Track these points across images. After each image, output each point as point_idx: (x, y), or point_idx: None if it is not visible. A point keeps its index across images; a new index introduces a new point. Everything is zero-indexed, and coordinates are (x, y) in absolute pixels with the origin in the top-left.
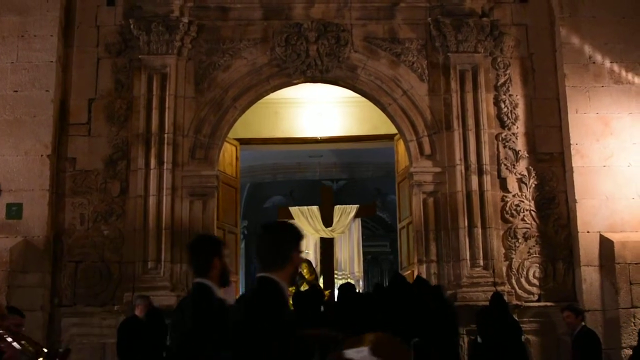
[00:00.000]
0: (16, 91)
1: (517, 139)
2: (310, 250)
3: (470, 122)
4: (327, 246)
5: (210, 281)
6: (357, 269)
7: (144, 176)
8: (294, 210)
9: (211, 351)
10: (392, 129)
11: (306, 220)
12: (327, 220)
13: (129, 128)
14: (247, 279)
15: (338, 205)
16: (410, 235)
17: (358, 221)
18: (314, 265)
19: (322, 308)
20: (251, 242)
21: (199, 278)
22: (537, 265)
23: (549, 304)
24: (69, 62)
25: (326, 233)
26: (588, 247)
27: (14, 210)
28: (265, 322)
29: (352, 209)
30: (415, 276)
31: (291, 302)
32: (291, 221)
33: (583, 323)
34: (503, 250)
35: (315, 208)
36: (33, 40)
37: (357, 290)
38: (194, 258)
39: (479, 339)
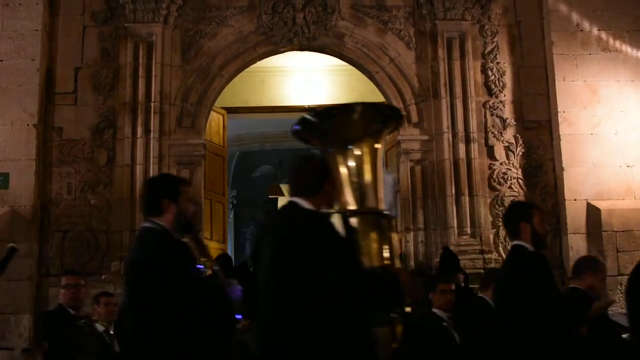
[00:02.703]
0: (1, 60)
1: (504, 106)
2: None
3: (458, 90)
4: None
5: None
6: None
7: (131, 145)
8: (285, 187)
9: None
10: (380, 97)
11: None
12: None
13: (116, 97)
14: (237, 249)
15: None
16: (397, 204)
17: None
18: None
19: None
20: (240, 212)
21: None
22: None
23: None
24: (54, 30)
25: None
26: (575, 215)
27: (1, 180)
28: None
29: None
30: (403, 245)
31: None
32: (280, 199)
33: None
34: (490, 218)
35: None
36: (18, 8)
37: None
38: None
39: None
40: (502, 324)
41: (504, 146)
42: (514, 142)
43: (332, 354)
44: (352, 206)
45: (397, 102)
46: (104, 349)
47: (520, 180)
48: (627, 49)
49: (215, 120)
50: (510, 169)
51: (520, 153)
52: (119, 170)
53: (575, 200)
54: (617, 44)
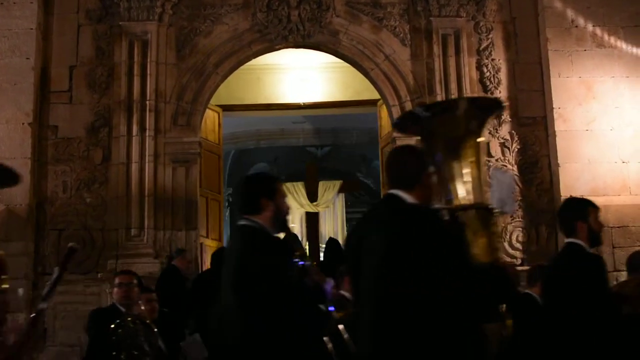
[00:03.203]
0: None
1: None
2: (296, 224)
3: (453, 86)
4: (312, 220)
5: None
6: (342, 242)
7: (126, 143)
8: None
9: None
10: (375, 95)
11: (292, 195)
12: (312, 196)
13: (111, 95)
14: None
15: (322, 181)
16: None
17: (342, 196)
18: (299, 239)
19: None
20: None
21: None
22: (520, 229)
23: None
24: (49, 29)
25: (311, 207)
26: None
27: None
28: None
29: (336, 184)
30: None
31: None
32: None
33: None
34: None
35: (300, 184)
36: (12, 7)
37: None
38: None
39: None
40: (550, 322)
41: (500, 142)
42: (509, 139)
43: (446, 351)
44: (457, 201)
45: (392, 99)
46: (151, 347)
47: (516, 177)
48: (622, 45)
49: (210, 118)
50: (506, 166)
51: (516, 149)
52: (114, 169)
53: (570, 196)
54: (612, 40)
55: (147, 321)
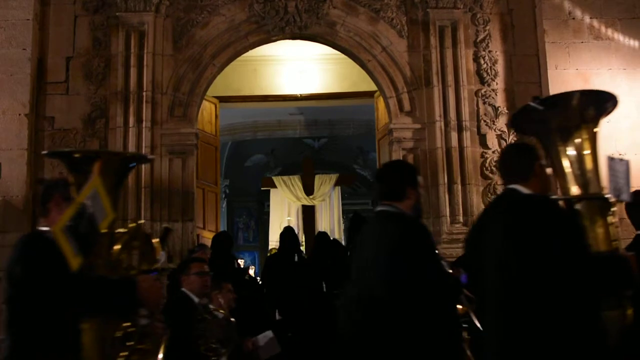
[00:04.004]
0: None
1: (496, 95)
2: (292, 217)
3: (450, 78)
4: (308, 213)
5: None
6: (338, 234)
7: (123, 134)
8: (276, 179)
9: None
10: (372, 86)
11: (288, 188)
12: (309, 189)
13: (107, 86)
14: None
15: (318, 175)
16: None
17: (338, 189)
18: (296, 232)
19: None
20: (233, 201)
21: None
22: None
23: None
24: (45, 19)
25: (307, 201)
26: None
27: None
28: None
29: (332, 178)
30: None
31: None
32: (272, 190)
33: None
34: (482, 207)
35: (297, 177)
36: None
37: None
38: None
39: None
40: None
41: (497, 134)
42: (506, 131)
43: (569, 338)
44: (575, 192)
45: (389, 91)
46: (229, 339)
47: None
48: (619, 37)
49: (207, 109)
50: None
51: (513, 141)
52: None
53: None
54: (609, 32)
55: (224, 312)
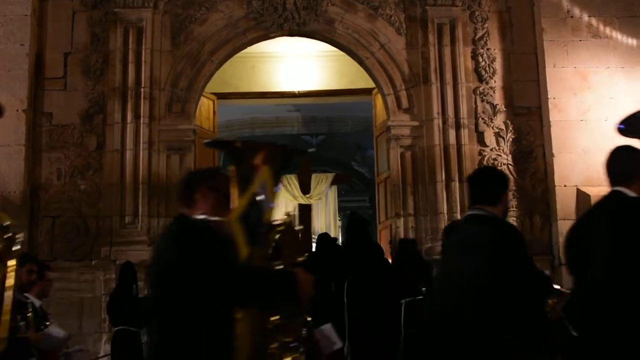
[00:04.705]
0: None
1: (494, 92)
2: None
3: (448, 76)
4: (305, 212)
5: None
6: (333, 232)
7: (121, 130)
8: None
9: None
10: (370, 83)
11: (285, 187)
12: (305, 188)
13: (105, 82)
14: None
15: (315, 174)
16: (388, 190)
17: (334, 188)
18: None
19: None
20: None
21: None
22: (515, 218)
23: None
24: (44, 15)
25: (304, 200)
26: (565, 201)
27: None
28: None
29: (329, 177)
30: (393, 231)
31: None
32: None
33: None
34: None
35: (293, 176)
36: None
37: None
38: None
39: None
40: None
41: (494, 132)
42: (504, 128)
43: None
44: None
45: (387, 88)
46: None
47: (510, 166)
48: (618, 35)
49: (205, 105)
50: (501, 155)
51: (511, 139)
52: (108, 156)
53: (565, 186)
54: (608, 30)
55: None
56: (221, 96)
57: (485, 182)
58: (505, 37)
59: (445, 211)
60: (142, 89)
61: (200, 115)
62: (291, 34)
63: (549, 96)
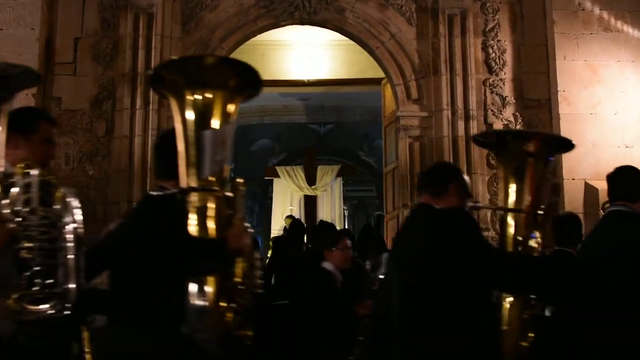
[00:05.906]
0: (1, 29)
1: (504, 84)
2: (294, 207)
3: (458, 67)
4: (310, 203)
5: None
6: (338, 223)
7: (130, 116)
8: (280, 169)
9: None
10: (380, 73)
11: (291, 179)
12: (311, 179)
13: (115, 68)
14: None
15: (321, 166)
16: (395, 180)
17: (340, 179)
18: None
19: None
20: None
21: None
22: None
23: None
24: (54, 0)
25: (310, 191)
26: (573, 194)
27: None
28: None
29: (334, 168)
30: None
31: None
32: (275, 180)
33: None
34: (488, 196)
35: (299, 168)
36: None
37: None
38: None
39: None
40: None
41: (503, 124)
42: (513, 121)
43: None
44: None
45: (397, 78)
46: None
47: None
48: (629, 29)
49: None
50: None
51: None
52: (117, 142)
53: (573, 179)
54: (619, 24)
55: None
56: None
57: (628, 180)
58: (515, 29)
59: None
60: None
61: None
62: (302, 22)
63: (558, 89)
